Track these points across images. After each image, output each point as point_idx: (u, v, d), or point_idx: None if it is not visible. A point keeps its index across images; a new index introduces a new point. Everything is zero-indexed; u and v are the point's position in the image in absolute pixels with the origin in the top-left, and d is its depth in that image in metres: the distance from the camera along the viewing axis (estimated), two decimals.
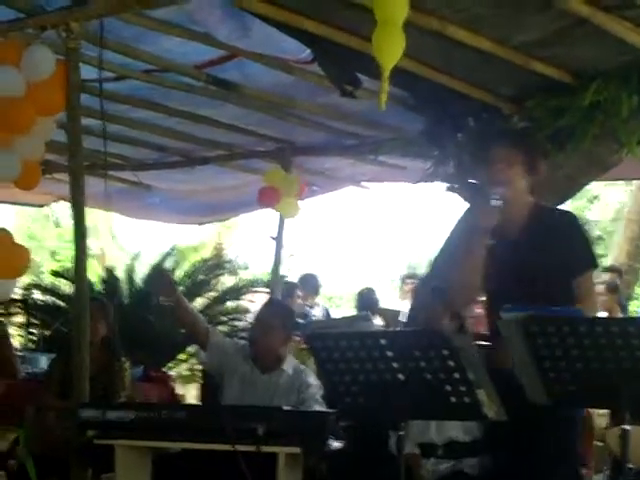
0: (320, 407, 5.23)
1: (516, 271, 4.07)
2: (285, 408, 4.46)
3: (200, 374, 9.48)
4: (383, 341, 3.45)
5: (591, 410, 5.92)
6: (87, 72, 5.41)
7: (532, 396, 3.44)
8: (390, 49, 4.25)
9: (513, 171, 4.21)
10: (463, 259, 4.20)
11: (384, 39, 4.24)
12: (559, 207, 4.68)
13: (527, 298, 3.84)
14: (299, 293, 10.03)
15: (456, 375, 3.34)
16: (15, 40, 5.26)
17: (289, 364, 5.44)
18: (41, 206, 12.31)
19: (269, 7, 4.99)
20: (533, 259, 4.10)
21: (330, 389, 3.86)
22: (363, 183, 9.72)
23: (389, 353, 3.43)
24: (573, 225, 4.26)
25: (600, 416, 6.84)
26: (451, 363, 3.32)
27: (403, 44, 4.24)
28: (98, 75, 5.37)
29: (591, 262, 4.21)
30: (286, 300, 9.02)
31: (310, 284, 10.89)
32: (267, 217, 8.91)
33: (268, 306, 5.81)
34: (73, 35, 5.09)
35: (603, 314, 8.96)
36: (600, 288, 9.54)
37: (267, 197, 8.35)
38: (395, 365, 3.43)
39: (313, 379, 5.38)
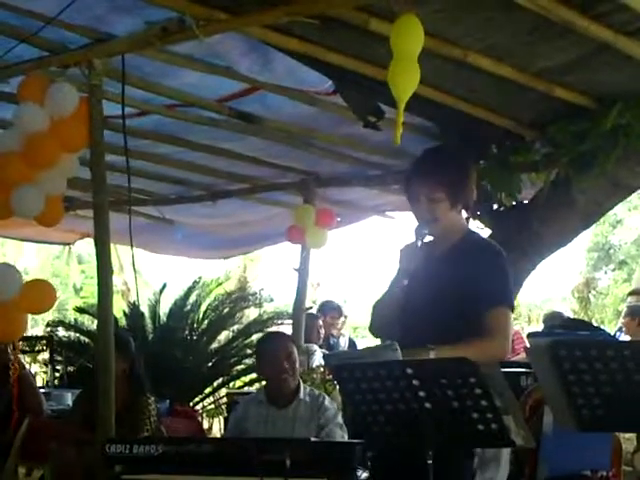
0: (342, 430, 5.28)
1: (428, 285, 4.05)
2: (312, 439, 4.44)
3: (225, 407, 9.50)
4: (409, 370, 3.43)
5: (619, 434, 5.88)
6: (110, 108, 5.46)
7: (561, 422, 3.42)
8: (405, 82, 4.26)
9: (437, 208, 4.13)
10: (385, 297, 4.25)
11: (399, 72, 4.26)
12: (485, 239, 4.51)
13: (427, 321, 3.96)
14: (321, 323, 9.98)
15: (483, 402, 3.32)
16: (39, 77, 5.32)
17: (304, 392, 5.47)
18: (66, 244, 12.36)
19: (290, 40, 5.02)
20: (444, 285, 4.05)
21: (357, 419, 3.85)
22: (388, 213, 9.73)
23: (415, 382, 3.41)
24: (494, 258, 4.14)
25: (627, 440, 6.78)
26: (478, 390, 3.30)
27: (418, 77, 4.25)
28: (121, 111, 5.40)
29: (503, 299, 4.05)
30: (309, 331, 8.99)
31: (331, 307, 10.81)
32: (291, 248, 8.91)
33: (274, 341, 5.78)
34: (95, 72, 5.15)
35: (626, 337, 8.90)
36: (624, 311, 9.52)
37: (295, 234, 8.39)
38: (422, 394, 3.41)
39: (329, 402, 5.45)
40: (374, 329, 4.44)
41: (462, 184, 4.22)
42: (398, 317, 4.08)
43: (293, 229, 8.39)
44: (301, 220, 8.29)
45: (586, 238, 22.45)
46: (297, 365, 5.50)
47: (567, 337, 3.38)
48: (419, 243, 4.09)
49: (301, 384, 5.54)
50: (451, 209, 4.17)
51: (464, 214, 4.39)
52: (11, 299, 5.35)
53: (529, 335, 3.47)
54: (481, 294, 3.98)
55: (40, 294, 5.57)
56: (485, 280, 4.01)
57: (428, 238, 4.18)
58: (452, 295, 4.01)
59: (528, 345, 3.44)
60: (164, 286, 10.48)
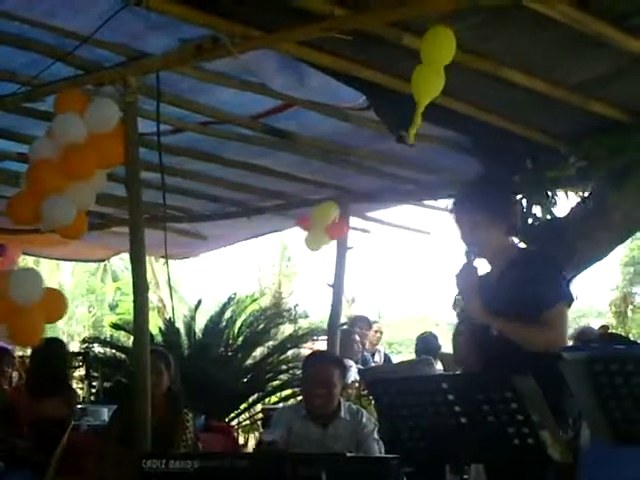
0: (378, 445, 5.26)
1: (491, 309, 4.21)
2: (348, 454, 4.43)
3: (260, 423, 9.50)
4: (445, 385, 3.42)
5: None
6: (144, 125, 5.50)
7: (597, 436, 3.39)
8: (427, 87, 4.34)
9: (479, 232, 4.32)
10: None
11: (423, 76, 4.34)
12: (535, 249, 4.79)
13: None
14: (357, 338, 9.94)
15: (519, 417, 3.30)
16: (77, 92, 5.36)
17: (344, 409, 5.46)
18: (102, 261, 12.45)
19: (324, 56, 5.03)
20: (504, 296, 4.22)
21: (392, 434, 3.84)
22: (422, 227, 9.71)
23: (451, 397, 3.40)
24: (546, 261, 4.40)
25: None
26: (514, 405, 3.28)
27: (441, 84, 4.33)
28: (156, 128, 5.44)
29: (559, 297, 4.23)
30: (345, 347, 8.95)
31: (360, 320, 10.78)
32: (326, 264, 8.89)
33: (321, 360, 5.77)
34: (130, 89, 5.19)
35: None
36: None
37: (304, 221, 8.38)
38: (457, 409, 3.40)
39: (367, 418, 5.46)
40: (458, 362, 4.66)
41: (501, 208, 4.41)
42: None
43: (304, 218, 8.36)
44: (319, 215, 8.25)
45: (621, 252, 22.32)
46: (340, 386, 5.54)
47: (603, 351, 3.35)
48: (471, 260, 4.28)
49: (341, 401, 5.53)
50: (492, 231, 4.34)
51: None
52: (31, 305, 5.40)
53: (564, 350, 3.44)
54: (538, 296, 4.16)
55: (56, 302, 5.63)
56: (539, 282, 4.20)
57: (480, 265, 4.35)
58: (512, 300, 4.19)
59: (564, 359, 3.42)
60: (199, 302, 10.50)
